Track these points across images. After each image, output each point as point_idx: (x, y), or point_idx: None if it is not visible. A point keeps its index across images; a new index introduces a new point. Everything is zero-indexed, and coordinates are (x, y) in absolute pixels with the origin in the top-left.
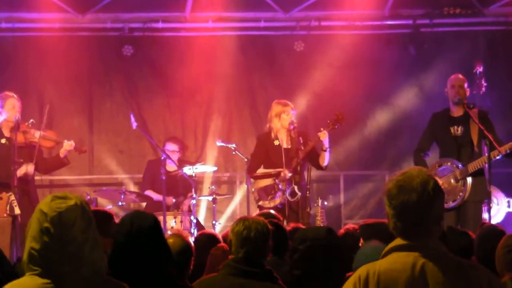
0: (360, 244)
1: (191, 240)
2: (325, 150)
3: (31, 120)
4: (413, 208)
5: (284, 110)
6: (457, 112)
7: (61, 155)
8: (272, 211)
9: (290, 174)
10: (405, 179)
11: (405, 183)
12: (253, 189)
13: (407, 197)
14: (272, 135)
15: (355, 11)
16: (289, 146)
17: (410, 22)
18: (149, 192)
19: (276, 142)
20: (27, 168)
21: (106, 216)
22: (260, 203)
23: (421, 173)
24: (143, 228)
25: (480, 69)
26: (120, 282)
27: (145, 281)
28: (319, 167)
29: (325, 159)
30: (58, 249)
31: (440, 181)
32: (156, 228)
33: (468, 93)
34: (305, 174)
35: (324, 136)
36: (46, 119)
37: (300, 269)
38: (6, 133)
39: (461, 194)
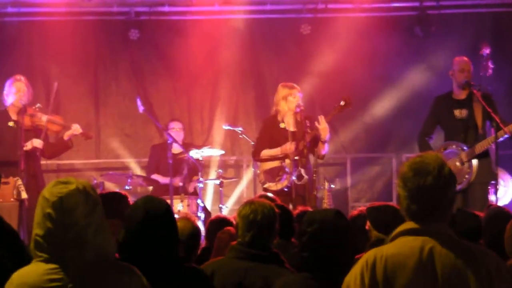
0: (367, 227)
1: (200, 223)
2: (324, 142)
3: (38, 104)
4: (428, 191)
5: (291, 93)
6: (460, 94)
7: (65, 137)
8: (270, 194)
9: (296, 158)
10: (421, 162)
11: (421, 167)
12: (258, 171)
13: (423, 180)
14: (279, 118)
15: None
16: (295, 129)
17: (417, 4)
18: (156, 176)
19: (282, 125)
20: (33, 143)
21: (120, 197)
22: (266, 185)
23: (436, 158)
24: (158, 215)
25: (487, 51)
26: (128, 265)
27: (154, 264)
28: (316, 155)
29: (323, 149)
30: (60, 234)
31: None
32: (169, 215)
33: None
34: (311, 157)
35: (324, 129)
36: (54, 99)
37: (308, 252)
38: (14, 116)
39: (467, 176)
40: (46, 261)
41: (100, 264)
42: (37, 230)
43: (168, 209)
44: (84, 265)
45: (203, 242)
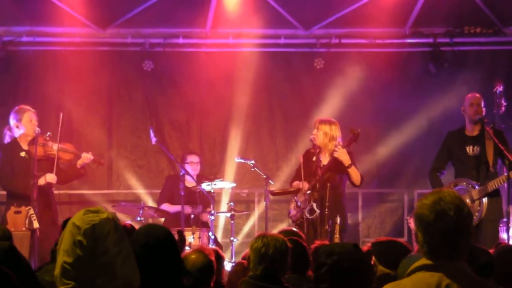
0: (372, 262)
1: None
2: (349, 167)
3: (48, 133)
4: (450, 235)
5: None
6: (472, 131)
7: (78, 165)
8: (294, 229)
9: (308, 192)
10: (439, 205)
11: (440, 210)
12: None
13: (445, 226)
14: (312, 150)
15: (376, 29)
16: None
17: (430, 40)
18: (165, 205)
19: (314, 159)
20: (46, 178)
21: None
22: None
23: (455, 199)
24: (159, 239)
25: (500, 88)
26: None
27: None
28: (353, 185)
29: (353, 176)
30: (90, 261)
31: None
32: (170, 238)
33: (484, 112)
34: (326, 192)
35: (337, 154)
36: (61, 128)
37: (327, 283)
38: (25, 146)
39: (477, 214)
40: None
41: None
42: (65, 258)
43: (169, 233)
44: None
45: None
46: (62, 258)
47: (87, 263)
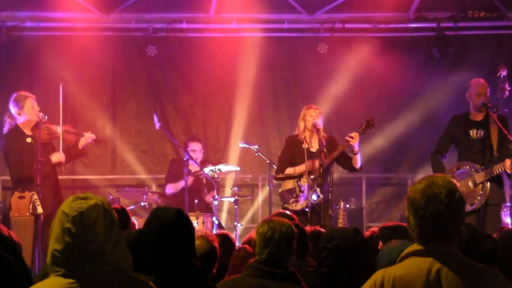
0: (379, 247)
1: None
2: (356, 153)
3: (45, 116)
4: (440, 218)
5: (307, 113)
6: (477, 116)
7: (80, 146)
8: (288, 212)
9: (312, 177)
10: (432, 188)
11: (432, 194)
12: (280, 190)
13: (435, 209)
14: (299, 137)
15: (380, 14)
16: (315, 150)
17: (434, 25)
18: (170, 186)
19: (305, 145)
20: (59, 157)
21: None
22: (286, 205)
23: (447, 183)
24: (166, 219)
25: (504, 72)
26: (145, 281)
27: (171, 272)
28: (352, 169)
29: (358, 161)
30: (80, 248)
31: (458, 184)
32: (179, 220)
33: (488, 95)
34: (329, 177)
35: (355, 141)
36: (63, 110)
37: (327, 267)
38: (28, 132)
39: (479, 198)
40: (64, 275)
41: (118, 278)
42: (55, 245)
43: (179, 214)
44: (102, 279)
45: None
46: (52, 245)
47: (77, 250)
